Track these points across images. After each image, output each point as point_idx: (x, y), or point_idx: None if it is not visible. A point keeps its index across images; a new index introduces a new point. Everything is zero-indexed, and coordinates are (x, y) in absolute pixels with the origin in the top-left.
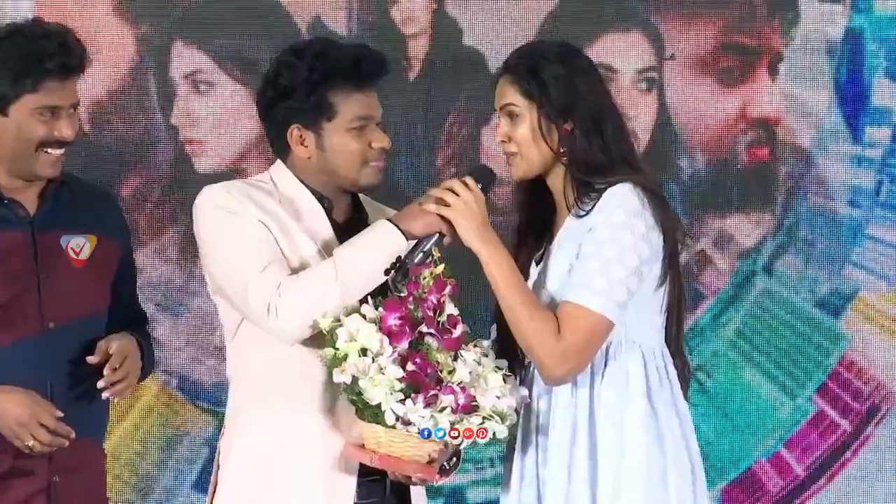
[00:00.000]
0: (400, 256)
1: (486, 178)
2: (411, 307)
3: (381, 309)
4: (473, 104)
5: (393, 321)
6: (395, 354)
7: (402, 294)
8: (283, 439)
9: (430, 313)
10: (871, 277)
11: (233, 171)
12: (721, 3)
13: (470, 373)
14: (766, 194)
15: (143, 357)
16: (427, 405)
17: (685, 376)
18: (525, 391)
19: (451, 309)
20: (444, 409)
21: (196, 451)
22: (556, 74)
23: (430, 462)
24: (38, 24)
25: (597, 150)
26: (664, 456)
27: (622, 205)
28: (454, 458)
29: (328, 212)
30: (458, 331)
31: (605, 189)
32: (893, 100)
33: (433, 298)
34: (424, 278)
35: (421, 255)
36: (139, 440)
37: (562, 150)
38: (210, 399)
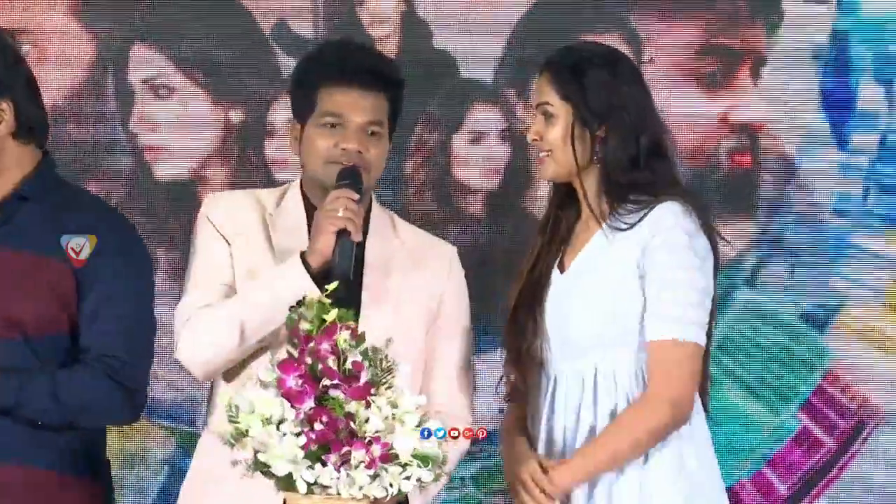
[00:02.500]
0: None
1: (351, 180)
2: (309, 362)
3: (277, 371)
4: (444, 109)
5: (292, 382)
6: (301, 416)
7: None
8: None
9: (331, 364)
10: (858, 289)
11: (194, 180)
12: (702, 4)
13: (385, 419)
14: (749, 202)
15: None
16: (343, 463)
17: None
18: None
19: (354, 356)
20: (359, 464)
21: (155, 472)
22: (598, 78)
23: None
24: None
25: (629, 161)
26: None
27: (680, 225)
28: None
29: None
30: (364, 377)
31: (650, 204)
32: (880, 104)
33: (326, 346)
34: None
35: (345, 261)
36: None
37: (595, 158)
38: (169, 417)
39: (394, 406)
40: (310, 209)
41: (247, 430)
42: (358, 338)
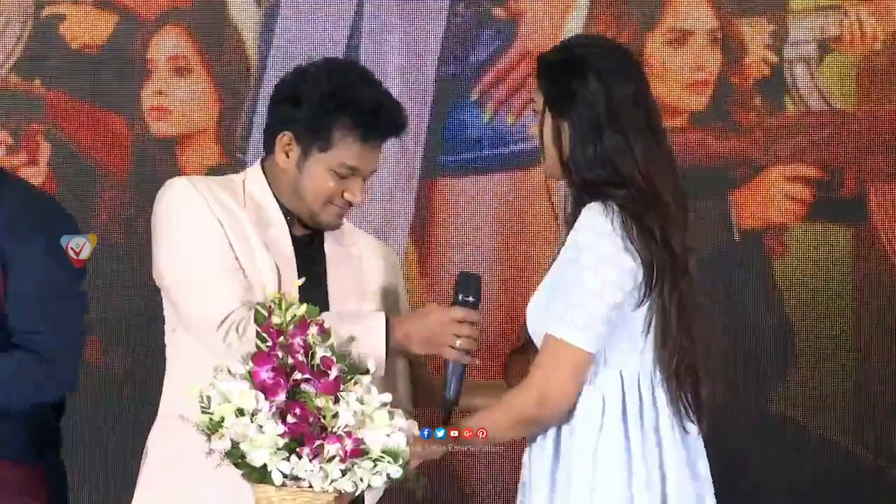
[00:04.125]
0: (445, 397)
1: (475, 297)
2: (280, 356)
3: (250, 363)
4: None
5: (266, 374)
6: (274, 409)
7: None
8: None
9: (301, 358)
10: None
11: None
12: None
13: (354, 413)
14: None
15: None
16: (314, 456)
17: (685, 403)
18: (408, 424)
19: (322, 351)
20: (332, 458)
21: None
22: (570, 72)
23: None
24: None
25: (589, 161)
26: (629, 489)
27: (589, 225)
28: None
29: (289, 224)
30: (334, 372)
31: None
32: None
33: (299, 341)
34: (283, 323)
35: (458, 386)
36: None
37: (566, 156)
38: None
39: (360, 402)
40: (285, 212)
41: (221, 420)
42: (325, 333)
